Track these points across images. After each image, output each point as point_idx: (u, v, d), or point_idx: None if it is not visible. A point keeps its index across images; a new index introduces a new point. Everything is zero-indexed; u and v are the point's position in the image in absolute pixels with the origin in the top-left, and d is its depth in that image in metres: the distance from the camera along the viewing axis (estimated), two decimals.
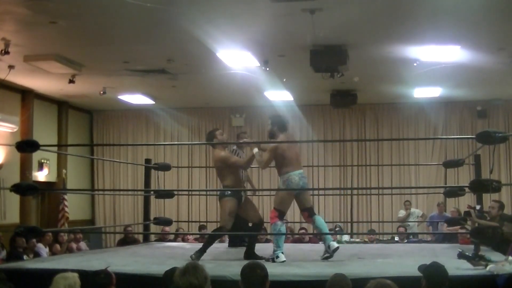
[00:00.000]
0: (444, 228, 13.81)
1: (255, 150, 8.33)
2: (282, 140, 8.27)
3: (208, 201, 17.79)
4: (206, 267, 4.39)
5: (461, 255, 6.94)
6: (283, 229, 8.31)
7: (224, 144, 8.84)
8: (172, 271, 5.37)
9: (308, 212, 8.37)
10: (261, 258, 8.05)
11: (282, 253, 7.98)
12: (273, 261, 7.88)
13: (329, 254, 8.10)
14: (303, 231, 13.71)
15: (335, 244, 8.16)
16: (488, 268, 6.48)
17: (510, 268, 6.33)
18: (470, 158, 11.50)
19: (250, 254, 8.36)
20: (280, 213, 8.19)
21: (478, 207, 10.09)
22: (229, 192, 8.34)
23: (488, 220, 9.53)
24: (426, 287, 5.39)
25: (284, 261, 7.88)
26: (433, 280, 5.38)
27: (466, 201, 14.13)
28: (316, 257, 8.38)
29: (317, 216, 8.43)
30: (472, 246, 8.77)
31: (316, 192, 15.96)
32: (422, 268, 5.62)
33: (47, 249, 12.98)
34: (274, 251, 7.99)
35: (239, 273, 6.52)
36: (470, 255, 6.93)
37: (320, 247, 10.43)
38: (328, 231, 8.52)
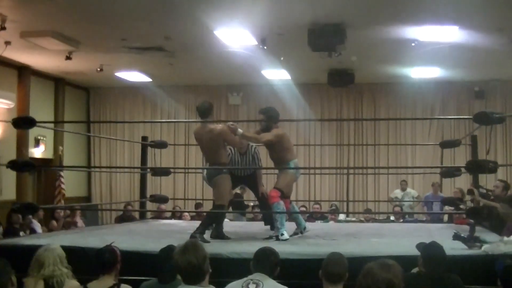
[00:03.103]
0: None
1: (240, 131, 8.29)
2: (280, 130, 8.46)
3: None
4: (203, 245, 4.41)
5: (456, 237, 6.96)
6: (284, 208, 8.45)
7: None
8: (168, 248, 5.39)
9: (289, 199, 8.74)
10: (227, 238, 8.26)
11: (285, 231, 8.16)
12: (277, 239, 7.99)
13: (301, 233, 8.62)
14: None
15: (309, 227, 8.84)
16: (483, 248, 6.51)
17: (505, 249, 6.36)
18: (467, 139, 11.51)
19: (218, 233, 8.37)
20: (282, 194, 8.27)
21: (484, 185, 10.15)
22: (225, 170, 8.30)
23: (491, 200, 9.55)
24: (423, 266, 5.41)
25: (288, 239, 8.02)
26: (431, 259, 5.40)
27: (462, 182, 14.18)
28: (313, 236, 8.46)
29: (293, 204, 9.19)
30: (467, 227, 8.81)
31: (312, 171, 16.00)
32: (420, 247, 5.66)
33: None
34: (278, 229, 8.10)
35: (235, 252, 6.60)
36: (465, 236, 6.95)
37: (315, 225, 10.53)
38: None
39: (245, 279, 4.91)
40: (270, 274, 4.97)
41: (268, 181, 11.39)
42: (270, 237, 8.13)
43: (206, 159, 8.57)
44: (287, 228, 8.30)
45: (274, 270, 5.04)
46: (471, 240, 6.85)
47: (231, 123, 8.41)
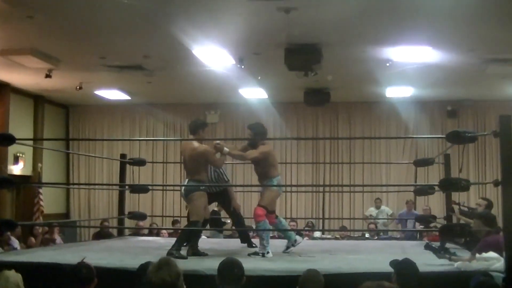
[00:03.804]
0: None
1: (226, 149, 8.42)
2: (266, 147, 8.64)
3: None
4: (180, 261, 4.49)
5: (428, 246, 7.17)
6: (269, 226, 8.56)
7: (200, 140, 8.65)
8: (146, 265, 5.47)
9: (274, 214, 8.79)
10: (204, 254, 8.29)
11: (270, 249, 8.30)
12: (263, 255, 8.13)
13: (294, 246, 8.66)
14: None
15: (300, 239, 8.91)
16: (456, 264, 6.65)
17: (477, 265, 6.49)
18: (440, 157, 11.71)
19: (194, 250, 8.40)
20: (267, 211, 8.41)
21: (462, 203, 10.30)
22: (202, 187, 8.40)
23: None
24: (396, 282, 5.53)
25: (272, 256, 8.16)
26: (404, 275, 5.50)
27: (436, 200, 14.37)
28: (289, 253, 8.57)
29: (280, 218, 9.08)
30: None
31: (288, 188, 16.11)
32: (393, 263, 5.75)
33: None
34: (265, 247, 8.22)
35: (212, 268, 6.68)
36: (436, 247, 7.14)
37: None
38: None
39: None
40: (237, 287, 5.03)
41: (245, 197, 11.54)
42: (256, 253, 8.23)
43: (186, 174, 8.64)
44: (281, 244, 8.52)
45: (240, 282, 5.07)
46: (441, 252, 7.03)
47: (217, 142, 8.53)
